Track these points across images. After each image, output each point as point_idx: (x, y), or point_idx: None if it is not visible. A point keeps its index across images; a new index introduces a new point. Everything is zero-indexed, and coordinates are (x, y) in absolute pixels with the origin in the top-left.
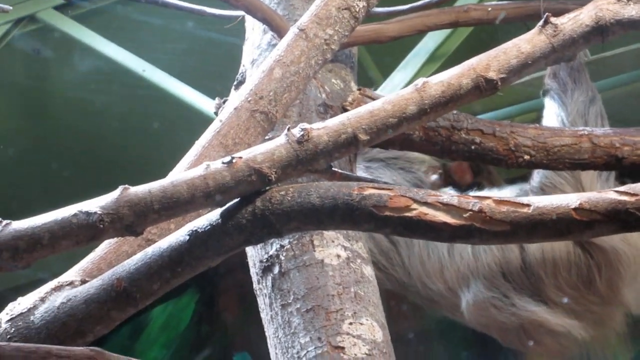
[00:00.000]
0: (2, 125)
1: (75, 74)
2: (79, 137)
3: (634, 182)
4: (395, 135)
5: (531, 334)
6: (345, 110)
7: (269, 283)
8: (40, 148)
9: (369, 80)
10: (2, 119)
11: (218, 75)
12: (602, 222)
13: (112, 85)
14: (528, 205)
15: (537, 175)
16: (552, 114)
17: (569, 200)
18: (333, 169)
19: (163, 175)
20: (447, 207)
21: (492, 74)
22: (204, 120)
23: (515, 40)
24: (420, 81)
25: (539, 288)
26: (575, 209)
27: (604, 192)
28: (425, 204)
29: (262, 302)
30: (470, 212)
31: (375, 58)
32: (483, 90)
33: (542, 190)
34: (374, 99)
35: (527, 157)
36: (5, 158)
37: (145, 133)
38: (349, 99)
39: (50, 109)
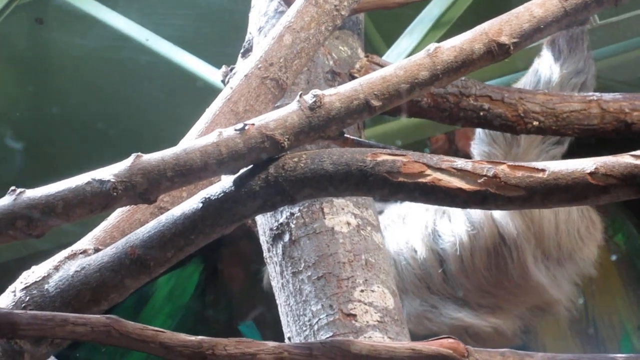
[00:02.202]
0: (5, 95)
1: (78, 44)
2: (82, 107)
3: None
4: (404, 102)
5: (468, 336)
6: (353, 77)
7: (280, 251)
8: (43, 118)
9: (372, 49)
10: (4, 89)
11: (222, 43)
12: (619, 187)
13: (115, 54)
14: (543, 170)
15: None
16: (533, 75)
17: (584, 164)
18: (345, 135)
19: (167, 145)
20: (461, 173)
21: (504, 39)
22: (209, 89)
23: (527, 4)
24: (432, 46)
25: (463, 294)
26: (591, 174)
27: (619, 156)
28: (439, 169)
29: (273, 270)
30: (485, 178)
31: (378, 26)
32: (495, 55)
33: None
34: (381, 66)
35: (535, 123)
36: (9, 128)
37: (149, 103)
38: (357, 65)
39: (53, 79)
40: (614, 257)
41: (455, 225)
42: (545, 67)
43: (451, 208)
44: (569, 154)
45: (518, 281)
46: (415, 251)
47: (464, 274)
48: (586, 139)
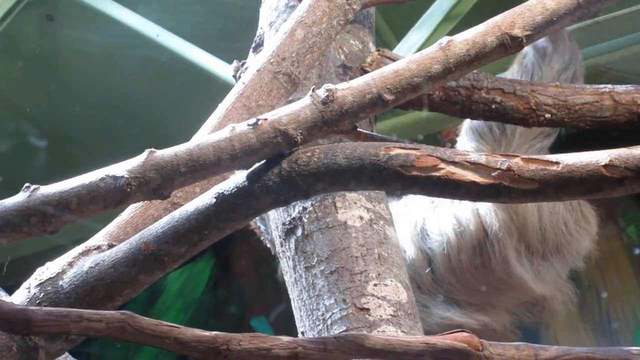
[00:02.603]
0: (16, 91)
1: (88, 40)
2: (92, 103)
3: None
4: (416, 96)
5: None
6: (364, 71)
7: (292, 245)
8: (54, 114)
9: (382, 42)
10: (16, 85)
11: (233, 38)
12: (633, 179)
13: (125, 50)
14: (557, 163)
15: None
16: (524, 76)
17: (599, 157)
18: (358, 129)
19: (179, 140)
20: (474, 166)
21: (517, 32)
22: (220, 85)
23: None
24: (444, 40)
25: (452, 292)
26: (605, 166)
27: (634, 149)
28: (453, 163)
29: (286, 265)
30: (499, 171)
31: (388, 20)
32: (508, 48)
33: None
34: (393, 60)
35: (548, 115)
36: (21, 125)
37: (160, 98)
38: (368, 59)
39: (63, 75)
40: (626, 250)
41: (443, 224)
42: (535, 67)
43: (441, 206)
44: (555, 147)
45: (501, 276)
46: (405, 251)
47: (451, 273)
48: (572, 130)
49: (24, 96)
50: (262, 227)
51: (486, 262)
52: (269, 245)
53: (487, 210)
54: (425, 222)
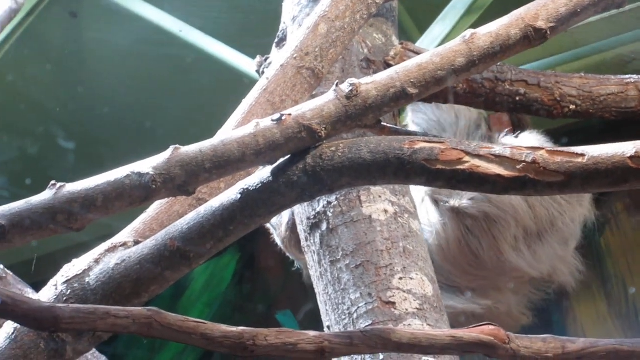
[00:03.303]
0: (40, 89)
1: (111, 37)
2: (117, 101)
3: None
4: (440, 89)
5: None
6: (388, 64)
7: (317, 240)
8: (77, 112)
9: (405, 36)
10: (39, 83)
11: (255, 33)
12: None
13: (148, 46)
14: (582, 155)
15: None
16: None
17: (624, 148)
18: (382, 123)
19: (203, 136)
20: (499, 159)
21: (541, 24)
22: (243, 80)
23: None
24: (468, 33)
25: (452, 280)
26: (631, 157)
27: None
28: (478, 156)
29: (311, 259)
30: (524, 164)
31: (411, 13)
32: (532, 40)
33: None
34: (416, 53)
35: (572, 107)
36: (46, 123)
37: (183, 94)
38: (392, 53)
39: (89, 74)
40: None
41: (431, 216)
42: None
43: (430, 200)
44: (577, 140)
45: (495, 265)
46: None
47: (447, 262)
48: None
49: (53, 98)
50: (270, 225)
51: (475, 252)
52: (278, 243)
53: (467, 203)
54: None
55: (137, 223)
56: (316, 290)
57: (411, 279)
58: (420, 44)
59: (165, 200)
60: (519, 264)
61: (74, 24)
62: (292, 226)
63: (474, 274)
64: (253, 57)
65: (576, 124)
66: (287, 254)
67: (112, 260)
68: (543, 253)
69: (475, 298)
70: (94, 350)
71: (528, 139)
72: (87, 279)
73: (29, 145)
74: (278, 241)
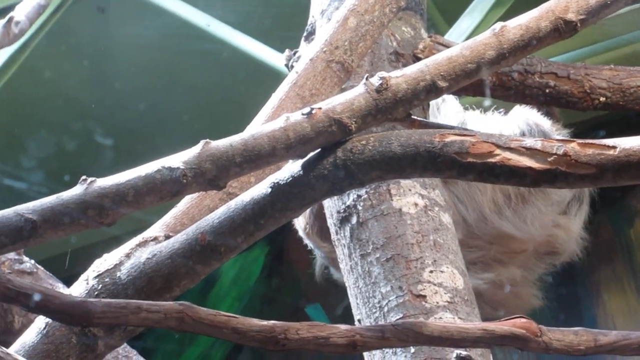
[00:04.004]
0: (68, 84)
1: (139, 31)
2: (143, 95)
3: None
4: (470, 82)
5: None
6: (417, 58)
7: (347, 233)
8: (105, 107)
9: (433, 29)
10: (68, 78)
11: (283, 27)
12: None
13: (177, 41)
14: (614, 147)
15: None
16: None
17: None
18: (412, 117)
19: (232, 131)
20: (530, 152)
21: (571, 16)
22: (271, 74)
23: None
24: (498, 25)
25: None
26: None
27: None
28: (509, 149)
29: (341, 253)
30: (555, 156)
31: (439, 6)
32: (562, 33)
33: None
34: (445, 46)
35: (602, 99)
36: (75, 118)
37: (212, 89)
38: (420, 46)
39: (117, 67)
40: None
41: None
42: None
43: None
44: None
45: (484, 232)
46: None
47: None
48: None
49: (88, 94)
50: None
51: (465, 219)
52: (299, 230)
53: None
54: None
55: (168, 217)
56: (346, 284)
57: (442, 272)
58: (449, 37)
59: (196, 194)
60: (503, 227)
61: (102, 19)
62: (316, 213)
63: (469, 244)
64: (281, 51)
65: (611, 116)
66: (307, 241)
67: (143, 254)
68: (528, 214)
69: (477, 272)
70: (124, 344)
71: (519, 113)
72: (118, 274)
73: (66, 141)
74: (299, 228)
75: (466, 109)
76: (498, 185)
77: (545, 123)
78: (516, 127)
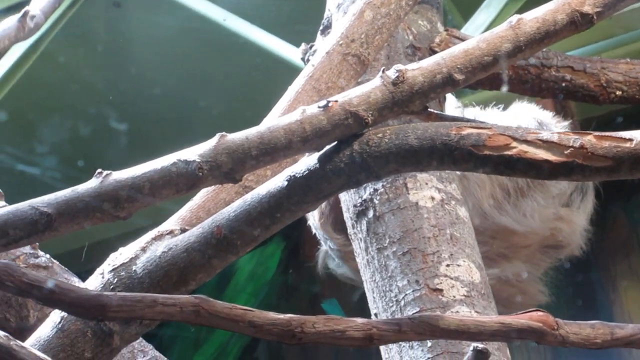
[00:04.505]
0: (83, 78)
1: (155, 26)
2: (160, 89)
3: None
4: (486, 75)
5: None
6: (433, 51)
7: (364, 227)
8: (121, 100)
9: (449, 23)
10: (84, 72)
11: (299, 21)
12: None
13: (193, 35)
14: (630, 140)
15: None
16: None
17: None
18: (429, 109)
19: (248, 124)
20: (547, 145)
21: (587, 8)
22: (288, 68)
23: None
24: (514, 18)
25: None
26: None
27: None
28: (525, 141)
29: (357, 247)
30: (572, 149)
31: (455, 0)
32: (578, 25)
33: None
34: (461, 40)
35: (619, 92)
36: (89, 112)
37: (228, 83)
38: (437, 40)
39: (130, 61)
40: None
41: None
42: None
43: None
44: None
45: (484, 226)
46: None
47: None
48: None
49: (92, 82)
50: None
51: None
52: (310, 221)
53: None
54: None
55: (184, 211)
56: (363, 278)
57: (458, 265)
58: (465, 30)
59: (212, 187)
60: (503, 221)
61: (118, 13)
62: (333, 204)
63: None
64: (298, 45)
65: (627, 110)
66: (318, 232)
67: (158, 248)
68: (528, 207)
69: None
70: (140, 338)
71: (520, 108)
72: (133, 267)
73: (81, 126)
74: (311, 218)
75: (466, 106)
76: (497, 180)
77: (546, 116)
78: (517, 122)
